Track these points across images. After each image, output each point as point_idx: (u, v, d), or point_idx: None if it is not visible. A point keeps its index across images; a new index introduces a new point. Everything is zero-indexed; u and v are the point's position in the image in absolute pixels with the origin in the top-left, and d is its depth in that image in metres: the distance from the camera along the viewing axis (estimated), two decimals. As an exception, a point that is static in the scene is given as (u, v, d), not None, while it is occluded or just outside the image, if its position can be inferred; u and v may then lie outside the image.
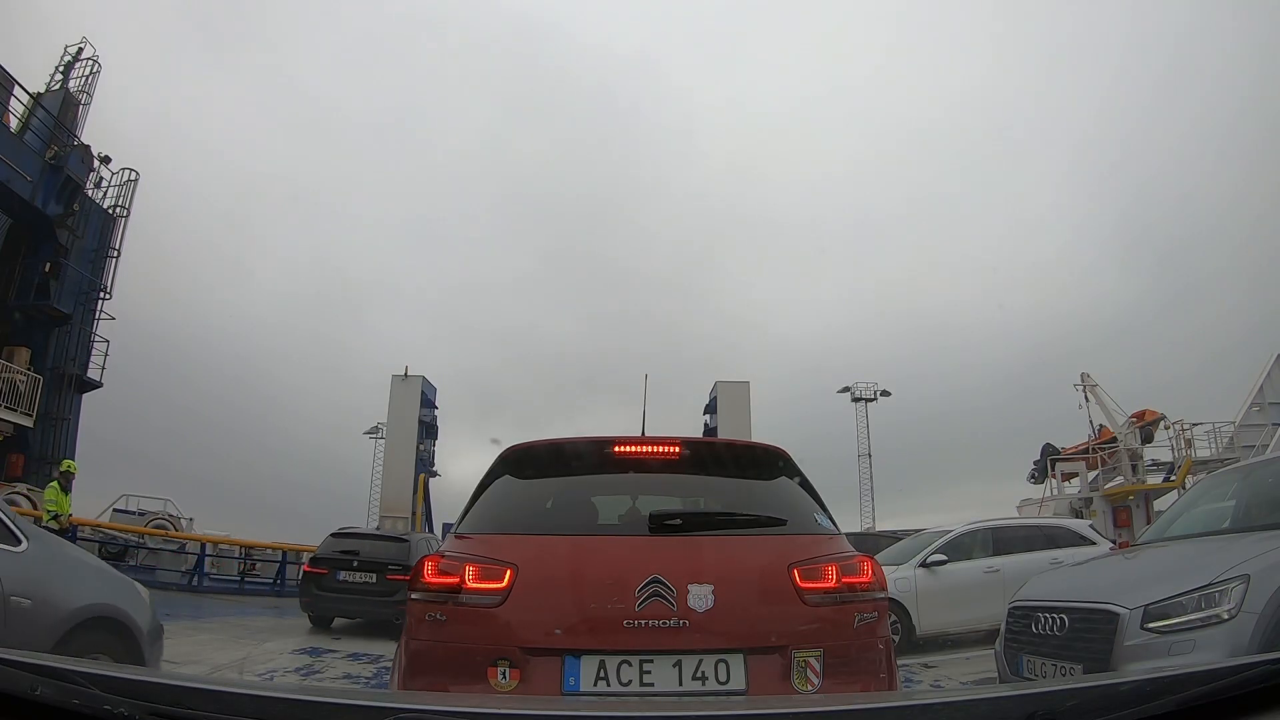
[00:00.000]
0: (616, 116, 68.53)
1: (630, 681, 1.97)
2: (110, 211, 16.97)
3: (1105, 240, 56.70)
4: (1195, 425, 19.33)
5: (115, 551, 13.40)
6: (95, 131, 16.79)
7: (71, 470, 10.41)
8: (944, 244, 62.99)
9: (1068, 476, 21.87)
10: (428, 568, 2.17)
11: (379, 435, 29.23)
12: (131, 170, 17.36)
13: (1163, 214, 52.94)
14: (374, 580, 9.39)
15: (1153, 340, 46.56)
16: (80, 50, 17.12)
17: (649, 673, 1.98)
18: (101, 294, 16.67)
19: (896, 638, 7.42)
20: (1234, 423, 18.48)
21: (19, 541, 3.08)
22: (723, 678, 1.99)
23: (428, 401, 23.25)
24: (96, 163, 16.53)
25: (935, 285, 60.00)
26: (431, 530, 20.86)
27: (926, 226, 63.17)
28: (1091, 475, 21.07)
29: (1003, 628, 3.91)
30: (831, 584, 2.15)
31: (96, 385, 16.62)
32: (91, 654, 3.22)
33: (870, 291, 61.64)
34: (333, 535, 10.54)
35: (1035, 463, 23.03)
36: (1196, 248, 50.41)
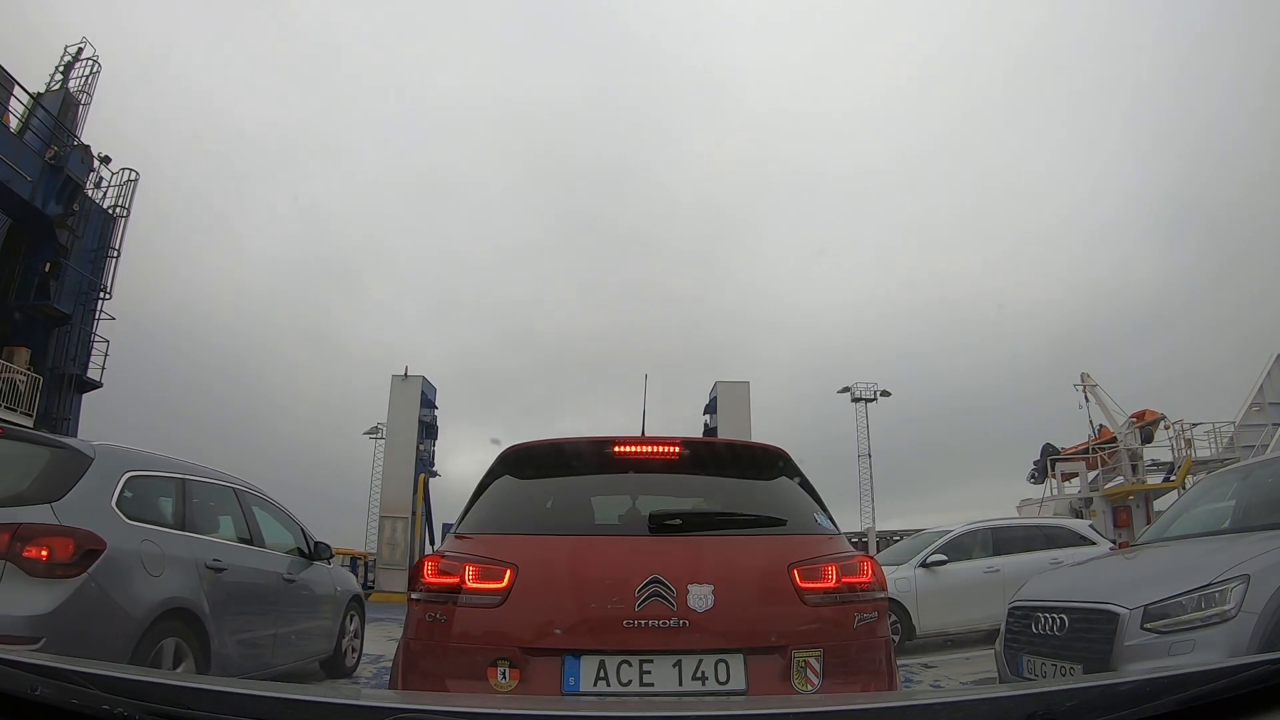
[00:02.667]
0: (636, 72, 66.92)
1: (630, 681, 1.97)
2: (110, 211, 16.95)
3: (1156, 209, 55.59)
4: (1195, 425, 19.36)
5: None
6: (95, 131, 16.83)
7: None
8: (960, 240, 62.68)
9: (1068, 476, 21.87)
10: (428, 568, 2.17)
11: (379, 435, 29.24)
12: (131, 170, 17.38)
13: (1209, 179, 51.64)
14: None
15: (1181, 330, 45.88)
16: (80, 50, 17.13)
17: (649, 673, 1.98)
18: (101, 294, 16.65)
19: (896, 638, 7.43)
20: (1234, 423, 18.48)
21: (329, 561, 5.91)
22: (723, 678, 1.99)
23: (428, 401, 23.20)
24: (96, 163, 16.52)
25: (939, 284, 60.04)
26: (431, 530, 20.85)
27: (942, 224, 62.71)
28: (1091, 475, 21.08)
29: (1003, 628, 3.91)
30: (831, 584, 2.15)
31: (96, 385, 16.61)
32: (352, 615, 6.23)
33: (871, 291, 61.70)
34: None
35: (1035, 463, 23.03)
36: (1240, 219, 49.02)
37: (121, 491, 3.64)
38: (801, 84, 72.31)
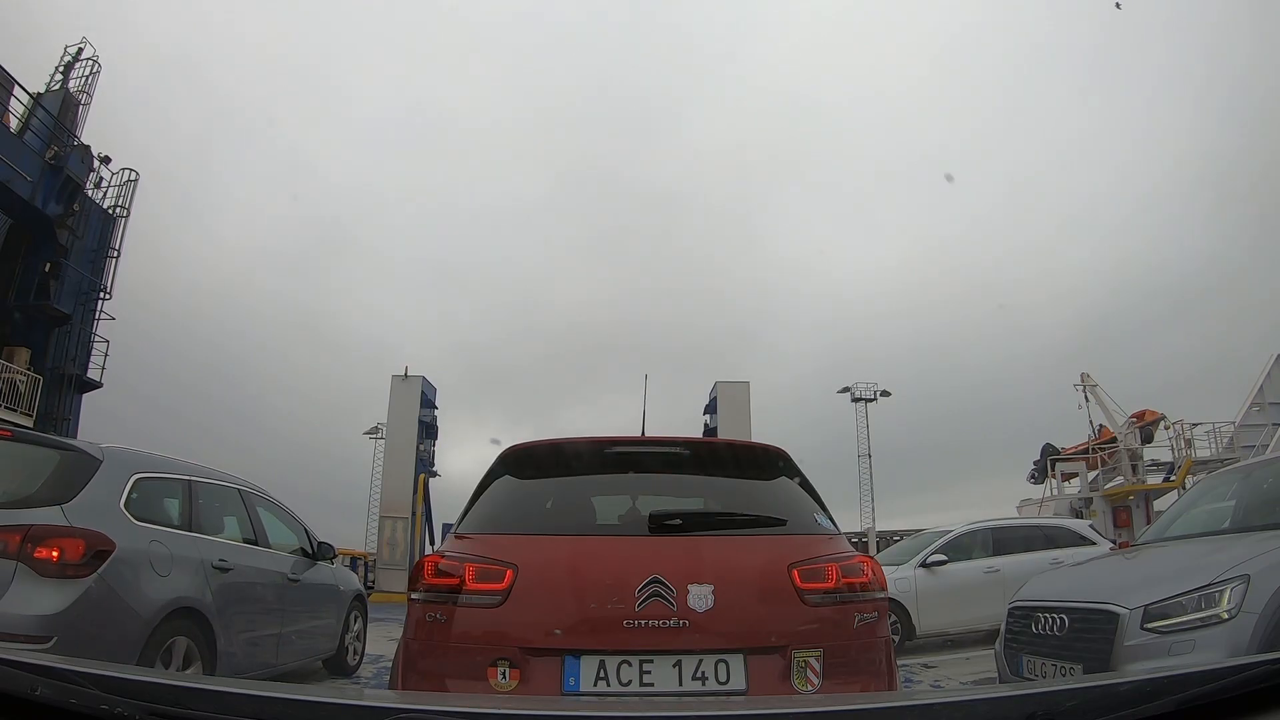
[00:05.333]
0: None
1: (630, 682, 1.97)
2: (110, 211, 16.95)
3: (1174, 198, 53.57)
4: (1195, 425, 19.37)
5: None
6: (95, 131, 16.83)
7: None
8: (967, 236, 62.14)
9: (1068, 476, 21.89)
10: (428, 568, 2.18)
11: (379, 435, 29.25)
12: (131, 170, 17.39)
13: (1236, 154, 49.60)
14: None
15: (1214, 312, 44.98)
16: (80, 50, 17.13)
17: (649, 673, 1.98)
18: (101, 294, 16.65)
19: (896, 638, 7.43)
20: (1234, 423, 18.49)
21: (332, 561, 5.99)
22: (723, 678, 1.99)
23: (428, 401, 23.21)
24: (96, 163, 16.51)
25: (942, 281, 59.89)
26: (431, 530, 20.87)
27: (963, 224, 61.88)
28: (1091, 475, 21.10)
29: (1003, 628, 3.91)
30: (831, 584, 2.15)
31: (96, 385, 16.61)
32: (354, 614, 6.29)
33: (874, 288, 61.68)
34: None
35: (1035, 463, 23.04)
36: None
37: (129, 493, 3.71)
38: (813, 73, 71.65)
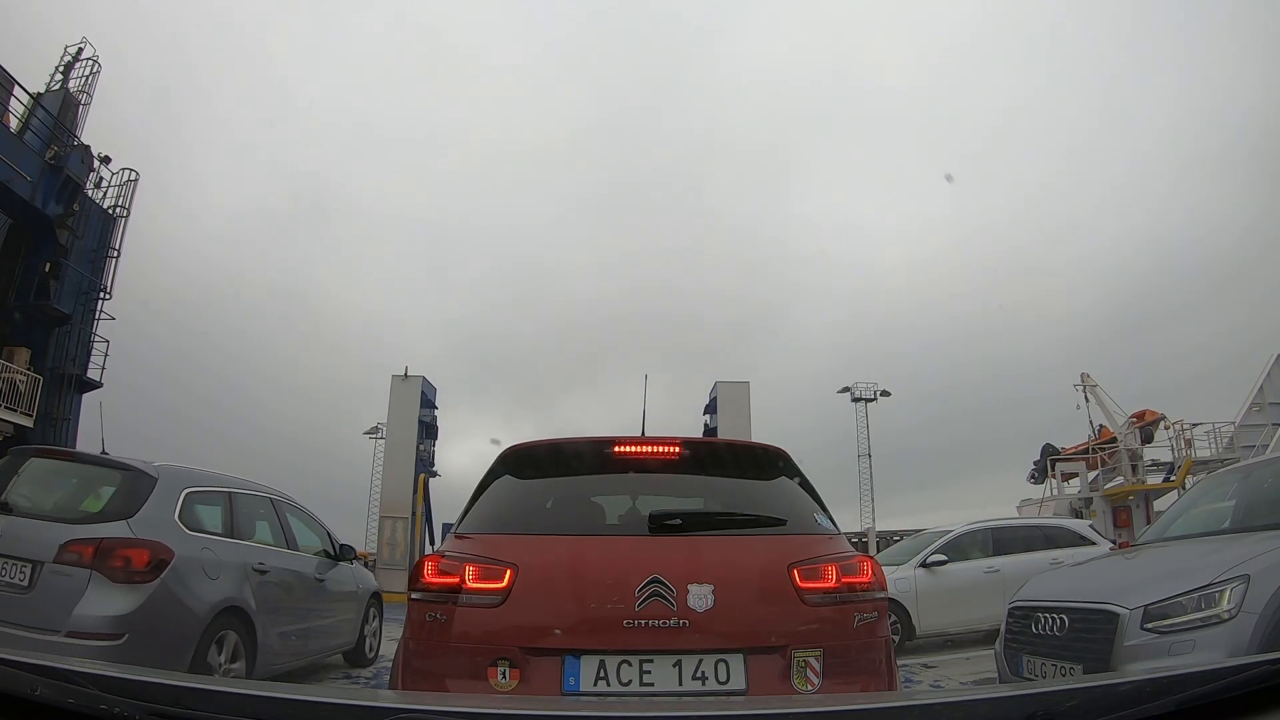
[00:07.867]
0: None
1: (630, 681, 1.97)
2: (110, 211, 16.93)
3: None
4: (1195, 425, 19.36)
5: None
6: (95, 131, 16.81)
7: None
8: (971, 235, 61.56)
9: (1068, 476, 21.87)
10: (428, 568, 2.18)
11: (379, 435, 29.26)
12: (131, 170, 17.37)
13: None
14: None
15: (1214, 312, 44.46)
16: (80, 50, 17.11)
17: (649, 673, 1.98)
18: (101, 294, 16.62)
19: (896, 638, 7.42)
20: (1234, 423, 18.48)
21: (352, 562, 6.26)
22: (723, 678, 1.99)
23: (428, 401, 23.21)
24: (96, 163, 16.49)
25: (942, 280, 59.74)
26: (431, 530, 20.86)
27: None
28: (1091, 475, 21.08)
29: (1003, 628, 3.91)
30: (831, 584, 2.15)
31: (96, 385, 16.59)
32: (372, 610, 6.64)
33: (874, 288, 61.61)
34: None
35: (1035, 463, 23.02)
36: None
37: (182, 506, 4.18)
38: (813, 71, 71.29)
